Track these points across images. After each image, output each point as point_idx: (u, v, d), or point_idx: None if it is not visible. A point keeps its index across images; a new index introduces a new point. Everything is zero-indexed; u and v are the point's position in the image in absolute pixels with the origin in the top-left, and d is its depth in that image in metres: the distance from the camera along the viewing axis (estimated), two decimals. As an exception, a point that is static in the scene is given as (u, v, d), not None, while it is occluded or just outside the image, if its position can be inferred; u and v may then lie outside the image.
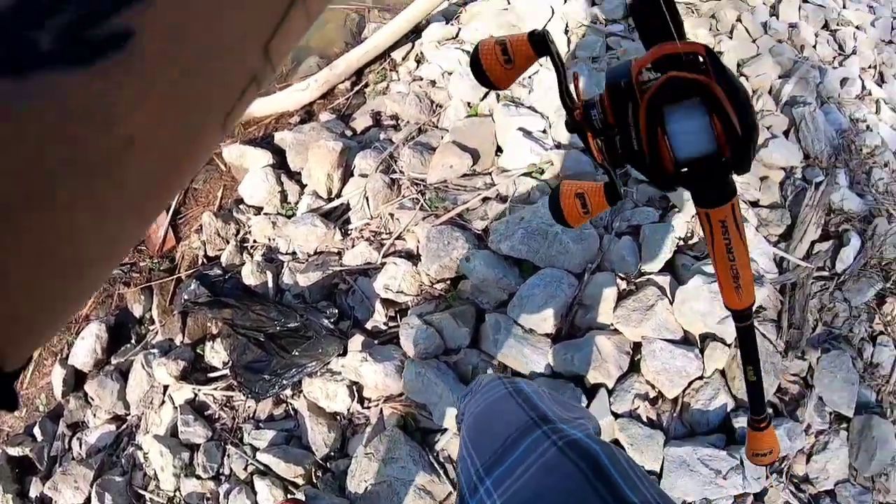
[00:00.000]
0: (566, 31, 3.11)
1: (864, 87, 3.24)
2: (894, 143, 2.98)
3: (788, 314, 2.18)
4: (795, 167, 2.59)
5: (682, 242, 2.26)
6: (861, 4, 3.99)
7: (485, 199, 2.46)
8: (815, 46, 3.38)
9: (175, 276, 2.70)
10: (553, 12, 3.19)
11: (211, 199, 2.98)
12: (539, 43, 0.65)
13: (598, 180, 0.87)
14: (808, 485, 1.96)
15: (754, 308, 0.81)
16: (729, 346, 2.00)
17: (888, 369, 2.20)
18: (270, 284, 2.46)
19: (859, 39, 3.57)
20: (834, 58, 3.40)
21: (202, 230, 2.75)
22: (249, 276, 2.47)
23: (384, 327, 2.27)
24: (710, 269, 2.08)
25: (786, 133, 2.72)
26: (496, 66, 0.65)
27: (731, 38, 3.21)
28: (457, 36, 3.26)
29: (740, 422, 1.89)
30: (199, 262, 2.72)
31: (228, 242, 2.70)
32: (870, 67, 3.46)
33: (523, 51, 0.65)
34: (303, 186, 2.82)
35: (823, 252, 2.35)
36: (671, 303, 2.06)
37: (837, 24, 3.64)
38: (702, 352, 2.00)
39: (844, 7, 3.87)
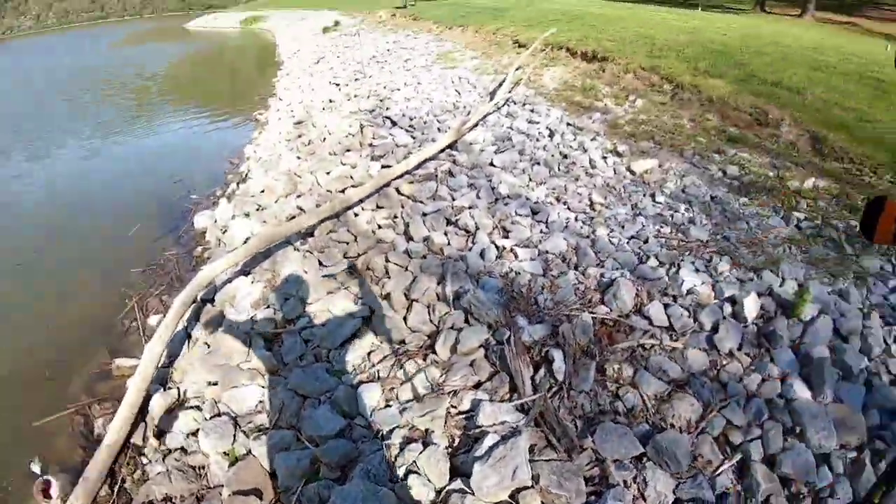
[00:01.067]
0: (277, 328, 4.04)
1: (497, 247, 4.69)
2: (533, 268, 4.36)
3: (552, 433, 3.09)
4: (487, 338, 3.69)
5: (450, 450, 3.10)
6: (464, 188, 5.77)
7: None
8: (449, 243, 4.82)
9: None
10: (252, 339, 4.10)
11: None
12: None
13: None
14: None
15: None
16: (531, 487, 2.81)
17: (640, 405, 3.29)
18: None
19: (475, 215, 5.17)
20: (467, 240, 4.88)
21: None
22: None
23: None
24: (480, 447, 2.92)
25: (466, 321, 3.86)
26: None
27: (388, 277, 4.44)
28: (179, 398, 3.88)
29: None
30: None
31: None
32: (494, 229, 5.01)
33: None
34: None
35: (543, 377, 3.38)
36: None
37: (455, 216, 5.22)
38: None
39: (454, 199, 5.54)
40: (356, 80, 12.08)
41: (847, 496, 2.95)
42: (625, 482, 2.91)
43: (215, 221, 6.20)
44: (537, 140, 7.36)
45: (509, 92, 9.64)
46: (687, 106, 8.63)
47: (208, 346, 4.24)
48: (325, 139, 7.84)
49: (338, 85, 11.79)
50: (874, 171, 6.40)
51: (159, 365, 4.07)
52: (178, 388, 3.99)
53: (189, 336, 4.43)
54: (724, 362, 3.62)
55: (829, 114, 7.85)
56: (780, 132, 7.53)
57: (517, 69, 11.11)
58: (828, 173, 6.41)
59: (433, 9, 24.30)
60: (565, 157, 6.81)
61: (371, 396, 3.46)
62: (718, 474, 3.00)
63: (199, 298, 4.64)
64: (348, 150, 7.24)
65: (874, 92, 9.00)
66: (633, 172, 6.41)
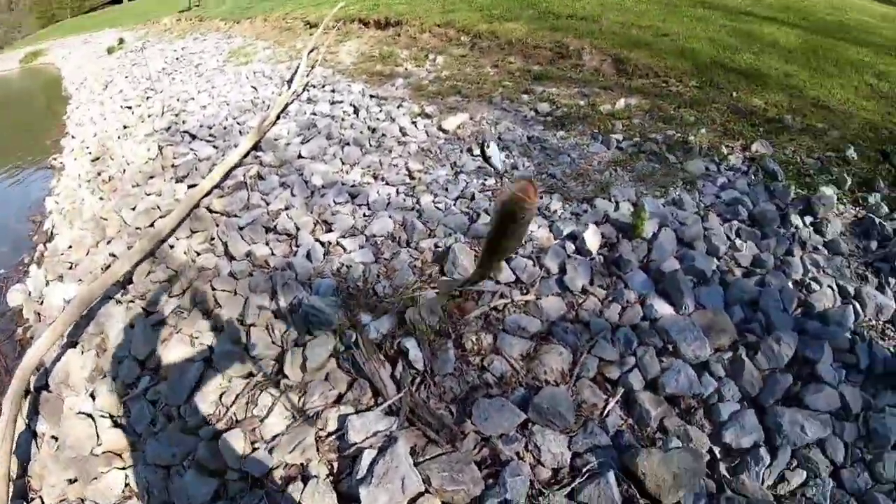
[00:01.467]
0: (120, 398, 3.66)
1: (322, 244, 4.47)
2: (364, 256, 4.23)
3: (429, 427, 2.99)
4: (335, 346, 3.46)
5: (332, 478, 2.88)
6: (276, 189, 5.49)
7: None
8: (273, 253, 4.52)
9: None
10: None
11: None
12: None
13: None
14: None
15: None
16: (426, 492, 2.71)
17: (510, 370, 3.27)
18: None
19: (293, 215, 4.89)
20: (290, 245, 4.60)
21: None
22: None
23: None
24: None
25: (309, 333, 3.61)
26: None
27: (220, 306, 4.07)
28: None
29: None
30: None
31: None
32: (315, 226, 4.77)
33: None
34: None
35: (403, 371, 3.24)
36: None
37: (272, 221, 4.92)
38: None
39: (268, 204, 5.24)
40: (147, 98, 11.19)
41: (735, 395, 3.09)
42: (517, 454, 2.88)
43: (30, 294, 5.45)
44: (343, 120, 7.12)
45: (306, 76, 9.31)
46: (488, 54, 8.74)
47: (56, 440, 3.71)
48: (125, 171, 7.15)
49: (130, 108, 10.85)
50: (679, 80, 6.80)
51: (13, 478, 3.52)
52: (39, 497, 3.49)
53: (35, 434, 3.86)
54: (581, 301, 3.66)
55: (627, 35, 8.26)
56: (582, 61, 7.81)
57: (311, 51, 10.79)
58: (636, 91, 6.73)
59: (218, 5, 23.34)
60: (374, 131, 6.64)
61: (235, 444, 3.14)
62: (607, 415, 3.04)
63: (32, 388, 4.07)
64: (151, 177, 6.60)
65: (666, 8, 9.64)
66: (445, 131, 6.37)
